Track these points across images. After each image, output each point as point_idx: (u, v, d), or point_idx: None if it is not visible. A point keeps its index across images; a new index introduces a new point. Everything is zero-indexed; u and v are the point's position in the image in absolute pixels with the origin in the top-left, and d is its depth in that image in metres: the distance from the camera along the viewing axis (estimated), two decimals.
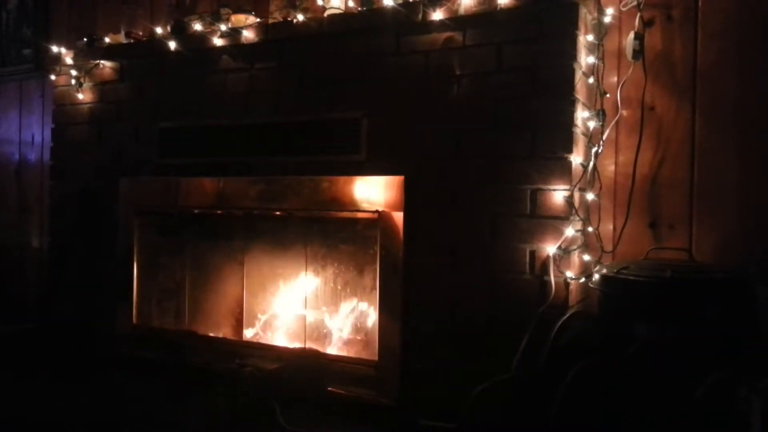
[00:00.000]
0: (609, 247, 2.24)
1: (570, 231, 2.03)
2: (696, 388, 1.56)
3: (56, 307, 3.21)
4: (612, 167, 2.28)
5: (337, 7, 2.47)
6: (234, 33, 2.65)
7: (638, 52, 2.18)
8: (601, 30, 2.19)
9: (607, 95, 2.23)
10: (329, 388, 2.37)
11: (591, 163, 2.15)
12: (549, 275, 2.04)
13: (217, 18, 2.71)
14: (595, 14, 2.19)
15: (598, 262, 2.18)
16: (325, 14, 2.47)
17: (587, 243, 2.17)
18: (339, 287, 2.66)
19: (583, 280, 2.10)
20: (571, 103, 2.04)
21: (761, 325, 1.75)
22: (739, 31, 2.12)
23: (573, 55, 2.04)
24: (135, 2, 3.32)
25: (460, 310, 2.19)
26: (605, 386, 1.75)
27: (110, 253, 3.00)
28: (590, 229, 2.17)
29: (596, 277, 1.96)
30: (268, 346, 2.65)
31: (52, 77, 3.22)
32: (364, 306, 2.59)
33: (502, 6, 2.12)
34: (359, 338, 2.57)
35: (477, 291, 2.16)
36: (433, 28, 2.25)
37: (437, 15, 2.21)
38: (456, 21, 2.21)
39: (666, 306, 1.75)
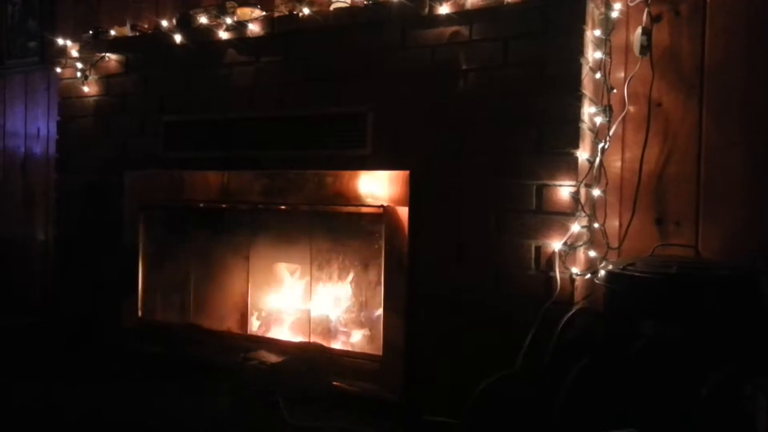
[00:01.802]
0: (615, 244, 2.23)
1: (576, 227, 2.03)
2: (701, 386, 1.55)
3: (61, 300, 3.23)
4: (618, 163, 2.27)
5: (343, 0, 2.46)
6: (239, 26, 2.64)
7: (646, 48, 2.17)
8: (608, 25, 2.18)
9: (614, 91, 2.22)
10: (334, 383, 2.37)
11: (597, 159, 2.14)
12: (554, 271, 2.04)
13: (223, 11, 2.71)
14: (603, 9, 2.18)
15: (604, 258, 2.17)
16: (331, 8, 2.46)
17: (593, 239, 2.17)
18: (343, 282, 2.65)
19: (588, 276, 2.09)
20: (578, 99, 2.03)
21: (767, 323, 1.75)
22: (748, 27, 2.10)
23: (580, 51, 2.03)
24: None
25: (464, 306, 2.18)
26: (610, 383, 1.75)
27: (115, 246, 3.01)
28: (596, 225, 2.17)
29: (602, 273, 1.96)
30: (272, 340, 2.65)
31: (58, 70, 3.23)
32: (368, 301, 2.59)
33: (509, 0, 2.11)
34: (364, 333, 2.57)
35: (482, 286, 2.16)
36: (440, 22, 2.24)
37: (444, 9, 2.20)
38: (462, 15, 2.20)
39: (672, 303, 1.74)
